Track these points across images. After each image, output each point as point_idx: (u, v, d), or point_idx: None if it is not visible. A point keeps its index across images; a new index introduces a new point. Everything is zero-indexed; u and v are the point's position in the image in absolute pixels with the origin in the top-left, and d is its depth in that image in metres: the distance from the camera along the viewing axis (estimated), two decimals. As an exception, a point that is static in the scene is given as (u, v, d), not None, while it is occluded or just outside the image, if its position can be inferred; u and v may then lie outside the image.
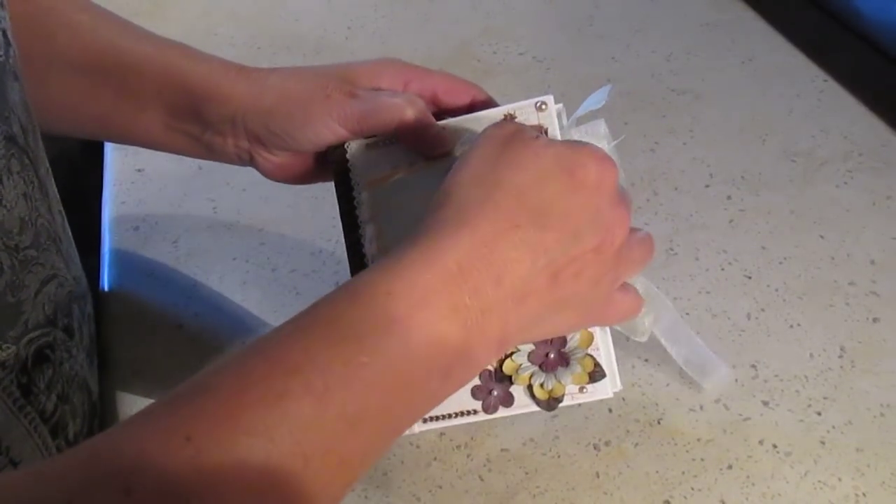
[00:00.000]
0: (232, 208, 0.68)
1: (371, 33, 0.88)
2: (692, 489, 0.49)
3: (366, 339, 0.33)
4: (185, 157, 0.72)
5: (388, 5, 0.92)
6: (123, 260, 0.65)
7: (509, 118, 0.45)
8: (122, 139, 0.54)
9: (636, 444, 0.51)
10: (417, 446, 0.51)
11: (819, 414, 0.53)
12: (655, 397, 0.54)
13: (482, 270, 0.36)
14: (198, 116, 0.48)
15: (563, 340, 0.44)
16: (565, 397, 0.44)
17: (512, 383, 0.44)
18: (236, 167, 0.72)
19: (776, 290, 0.61)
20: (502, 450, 0.51)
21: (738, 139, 0.74)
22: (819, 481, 0.49)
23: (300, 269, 0.63)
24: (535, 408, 0.44)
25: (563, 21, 0.90)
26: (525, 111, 0.45)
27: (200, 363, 0.58)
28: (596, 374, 0.44)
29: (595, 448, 0.51)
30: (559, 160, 0.38)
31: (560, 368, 0.44)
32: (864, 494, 0.49)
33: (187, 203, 0.69)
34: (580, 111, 0.45)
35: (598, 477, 0.50)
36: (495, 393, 0.44)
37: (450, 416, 0.44)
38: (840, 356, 0.56)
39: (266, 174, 0.50)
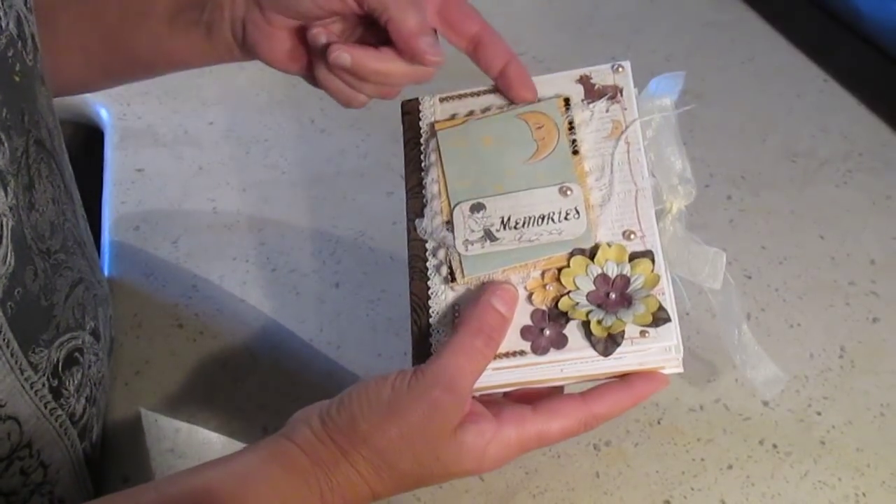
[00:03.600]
0: (232, 208, 0.68)
1: (371, 33, 0.88)
2: (692, 489, 0.49)
3: None
4: (185, 157, 0.72)
5: (388, 5, 0.92)
6: (123, 260, 0.65)
7: (585, 79, 0.46)
8: (129, 60, 0.53)
9: (636, 444, 0.51)
10: (417, 446, 0.51)
11: (819, 414, 0.53)
12: (655, 397, 0.54)
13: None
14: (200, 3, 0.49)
15: (627, 280, 0.40)
16: (625, 341, 0.39)
17: (567, 321, 0.40)
18: (236, 168, 0.72)
19: (776, 290, 0.61)
20: (502, 450, 0.51)
21: (738, 139, 0.74)
22: (819, 481, 0.49)
23: (300, 269, 0.63)
24: (589, 352, 0.39)
25: (563, 21, 0.90)
26: (601, 73, 0.46)
27: (200, 363, 0.58)
28: (660, 317, 0.39)
29: (595, 448, 0.51)
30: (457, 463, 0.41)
31: (621, 309, 0.40)
32: (864, 494, 0.49)
33: (187, 203, 0.69)
34: (649, 93, 0.46)
35: (598, 477, 0.50)
36: (547, 333, 0.40)
37: (497, 356, 0.40)
38: (840, 356, 0.56)
39: (257, 51, 0.49)
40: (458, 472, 0.41)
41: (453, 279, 0.42)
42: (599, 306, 0.40)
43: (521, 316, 0.41)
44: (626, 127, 0.45)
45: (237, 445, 0.51)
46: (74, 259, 0.46)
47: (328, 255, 0.64)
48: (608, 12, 0.90)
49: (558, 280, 0.41)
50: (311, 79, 0.49)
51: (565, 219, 0.42)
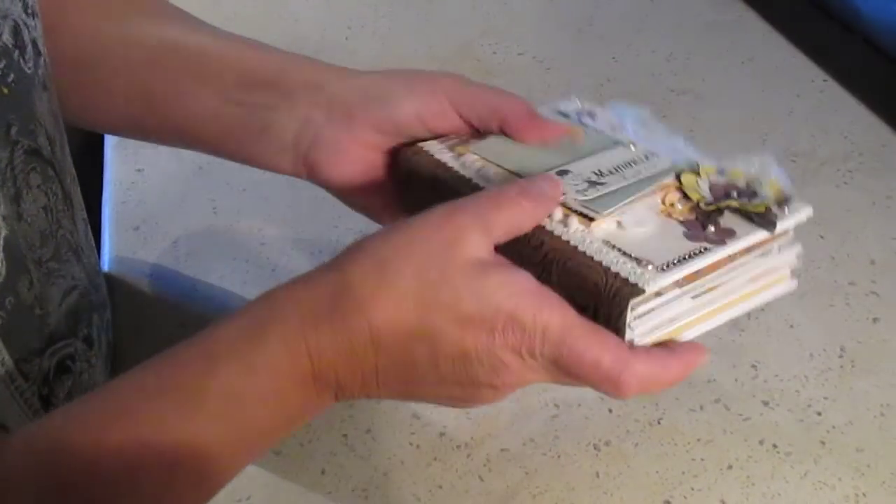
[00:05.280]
0: (232, 208, 0.68)
1: (371, 33, 0.88)
2: (692, 489, 0.49)
3: (219, 412, 0.35)
4: (185, 157, 0.72)
5: (388, 5, 0.92)
6: (123, 260, 0.65)
7: None
8: (166, 121, 0.49)
9: (636, 444, 0.51)
10: (417, 446, 0.51)
11: (819, 414, 0.53)
12: (655, 397, 0.54)
13: (337, 361, 0.36)
14: (273, 85, 0.45)
15: (734, 182, 0.41)
16: (777, 217, 0.39)
17: (721, 213, 0.40)
18: (236, 168, 0.72)
19: (776, 290, 0.61)
20: (502, 450, 0.51)
21: (738, 139, 0.74)
22: (819, 481, 0.49)
23: (300, 269, 0.63)
24: (760, 232, 0.39)
25: (563, 21, 0.90)
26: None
27: (200, 363, 0.58)
28: (785, 198, 0.40)
29: (595, 448, 0.51)
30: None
31: (753, 197, 0.40)
32: (864, 494, 0.49)
33: (187, 203, 0.69)
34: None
35: (598, 477, 0.50)
36: (711, 228, 0.39)
37: (680, 260, 0.38)
38: (840, 356, 0.56)
39: (321, 163, 0.45)
40: (472, 316, 0.34)
41: (590, 219, 0.40)
42: (728, 196, 0.40)
43: (673, 236, 0.40)
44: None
45: (237, 445, 0.51)
46: (68, 267, 0.46)
47: (328, 255, 0.64)
48: (608, 12, 0.91)
49: (683, 196, 0.41)
50: (376, 210, 0.47)
51: (647, 159, 0.43)
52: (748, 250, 0.39)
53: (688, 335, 0.39)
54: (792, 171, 0.70)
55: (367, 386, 0.37)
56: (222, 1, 0.94)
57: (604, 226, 0.40)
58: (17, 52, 0.40)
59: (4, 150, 0.39)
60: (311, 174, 0.47)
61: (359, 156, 0.45)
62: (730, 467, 0.50)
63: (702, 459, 0.51)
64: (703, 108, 0.78)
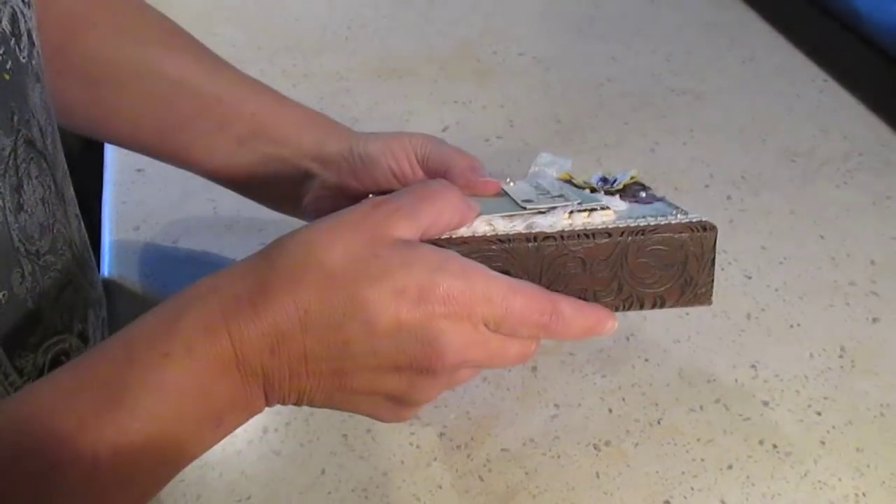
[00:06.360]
0: (232, 208, 0.68)
1: (371, 33, 0.88)
2: (692, 489, 0.49)
3: (138, 404, 0.33)
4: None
5: (388, 5, 0.92)
6: (123, 260, 0.65)
7: None
8: (176, 150, 0.53)
9: (636, 444, 0.51)
10: (417, 446, 0.51)
11: (819, 414, 0.53)
12: (655, 397, 0.54)
13: (261, 346, 0.34)
14: (283, 142, 0.50)
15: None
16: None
17: (631, 187, 0.47)
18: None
19: (776, 290, 0.61)
20: (502, 450, 0.51)
21: (738, 139, 0.74)
22: (819, 481, 0.49)
23: (300, 269, 0.63)
24: (650, 190, 0.46)
25: (563, 21, 0.90)
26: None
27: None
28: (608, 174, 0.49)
29: (595, 448, 0.51)
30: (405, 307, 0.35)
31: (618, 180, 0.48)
32: (864, 494, 0.49)
33: (187, 203, 0.69)
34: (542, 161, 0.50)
35: (598, 477, 0.50)
36: (642, 194, 0.46)
37: (678, 207, 0.43)
38: (840, 356, 0.56)
39: (309, 207, 0.51)
40: (406, 286, 0.34)
41: (606, 208, 0.42)
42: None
43: (638, 201, 0.45)
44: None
45: (236, 445, 0.51)
46: (64, 261, 0.46)
47: (328, 255, 0.64)
48: (608, 12, 0.91)
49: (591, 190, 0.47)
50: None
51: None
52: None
53: None
54: (792, 171, 0.70)
55: (295, 377, 0.35)
56: (222, 1, 0.94)
57: (611, 209, 0.43)
58: (13, 41, 0.39)
59: (9, 137, 0.39)
60: (303, 216, 0.52)
61: (342, 204, 0.48)
62: (730, 467, 0.50)
63: (702, 459, 0.51)
64: (702, 108, 0.78)
